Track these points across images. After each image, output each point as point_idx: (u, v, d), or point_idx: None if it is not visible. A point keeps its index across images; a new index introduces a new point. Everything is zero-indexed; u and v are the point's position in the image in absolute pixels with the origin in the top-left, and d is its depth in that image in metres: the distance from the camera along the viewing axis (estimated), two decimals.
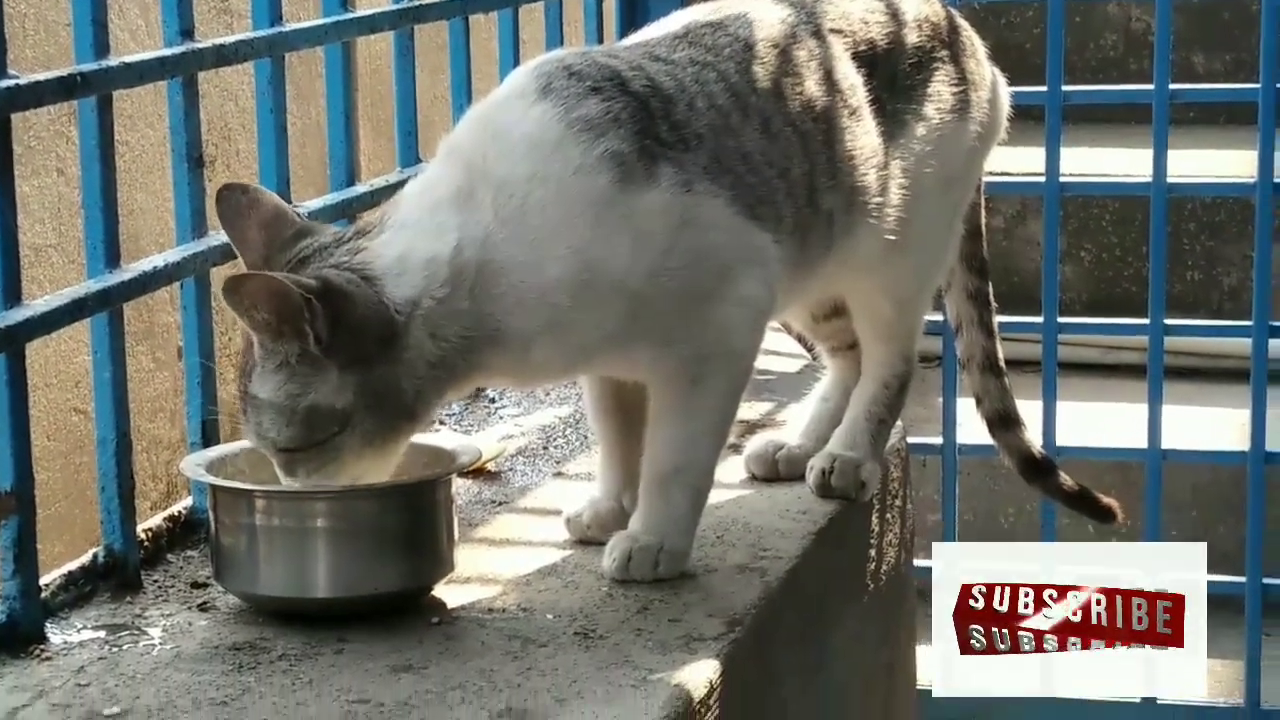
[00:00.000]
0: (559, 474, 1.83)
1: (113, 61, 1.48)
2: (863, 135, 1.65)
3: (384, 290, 1.40)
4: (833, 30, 1.68)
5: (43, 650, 1.38)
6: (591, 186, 1.45)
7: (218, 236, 1.67)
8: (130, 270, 1.56)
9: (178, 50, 1.57)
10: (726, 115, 1.55)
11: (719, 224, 1.51)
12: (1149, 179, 2.53)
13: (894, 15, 1.73)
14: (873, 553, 1.90)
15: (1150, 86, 2.55)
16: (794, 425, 1.88)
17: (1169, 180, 2.52)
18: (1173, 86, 2.54)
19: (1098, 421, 2.65)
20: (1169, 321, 2.55)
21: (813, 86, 1.62)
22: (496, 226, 1.43)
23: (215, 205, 1.49)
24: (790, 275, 1.60)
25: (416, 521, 1.49)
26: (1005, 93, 1.83)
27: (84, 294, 1.50)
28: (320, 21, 1.83)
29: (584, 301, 1.46)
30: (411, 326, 1.41)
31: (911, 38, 1.73)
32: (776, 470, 1.80)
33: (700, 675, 1.35)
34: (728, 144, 1.54)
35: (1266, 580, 2.51)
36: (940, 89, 1.74)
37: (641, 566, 1.52)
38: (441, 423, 2.03)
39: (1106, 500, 2.03)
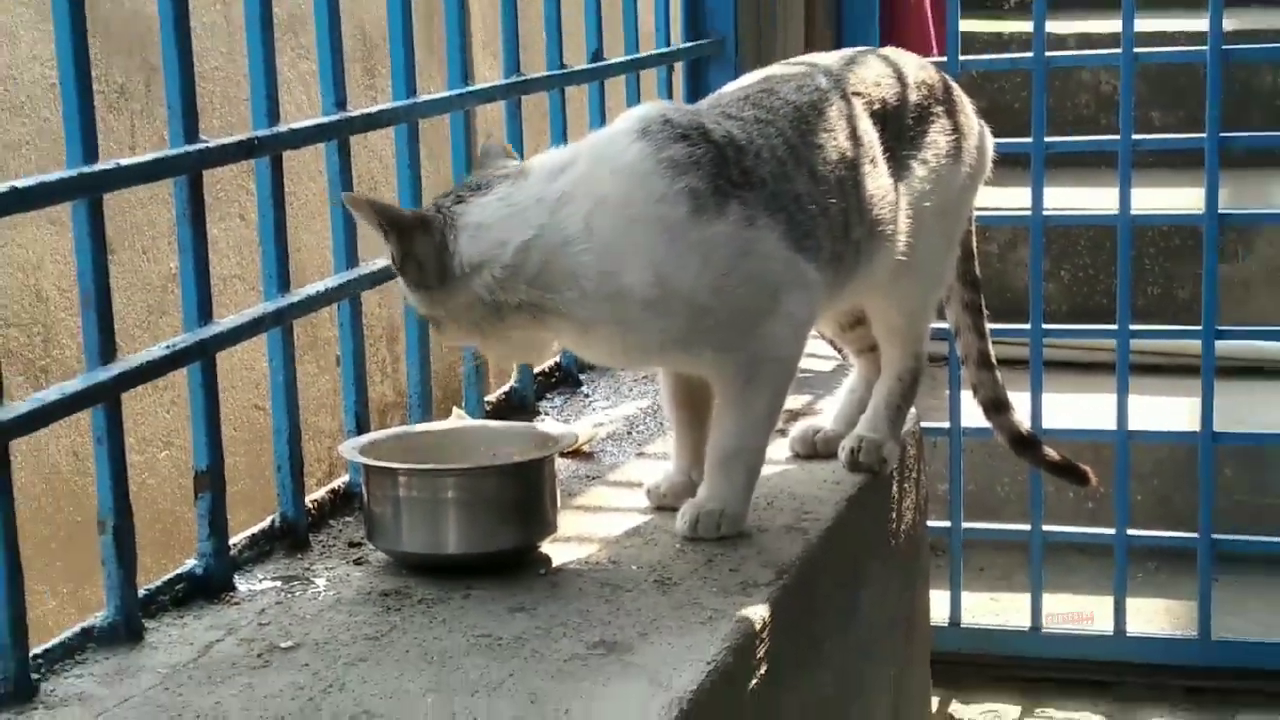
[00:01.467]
0: (640, 454, 1.84)
1: (282, 128, 1.51)
2: (881, 179, 1.66)
3: (458, 243, 1.43)
4: (855, 93, 1.69)
5: (231, 597, 1.42)
6: (670, 214, 1.46)
7: (367, 266, 1.70)
8: (298, 294, 1.58)
9: (333, 119, 1.60)
10: (783, 164, 1.56)
11: (773, 254, 1.52)
12: (1117, 212, 2.53)
13: (899, 79, 1.74)
14: (894, 515, 1.90)
15: (1117, 137, 2.53)
16: (828, 413, 1.88)
17: (1133, 213, 2.51)
18: (1135, 137, 2.53)
19: (1075, 409, 2.65)
20: (1134, 327, 2.54)
21: (844, 140, 1.63)
22: (583, 234, 1.43)
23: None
24: (827, 294, 1.61)
25: (527, 493, 1.51)
26: (990, 142, 1.84)
27: (261, 314, 1.52)
28: (446, 94, 1.85)
29: (650, 307, 1.46)
30: (472, 280, 1.43)
31: (914, 97, 1.74)
32: (815, 449, 1.81)
33: (755, 614, 1.38)
34: (784, 187, 1.55)
35: (1215, 536, 2.48)
36: (937, 138, 1.75)
37: (707, 527, 1.54)
38: (545, 414, 2.03)
39: (1083, 467, 2.03)
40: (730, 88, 1.76)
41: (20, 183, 1.20)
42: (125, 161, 1.35)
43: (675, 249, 1.47)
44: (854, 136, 1.65)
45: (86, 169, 1.25)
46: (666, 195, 1.47)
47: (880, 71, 1.75)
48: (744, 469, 1.59)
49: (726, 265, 1.50)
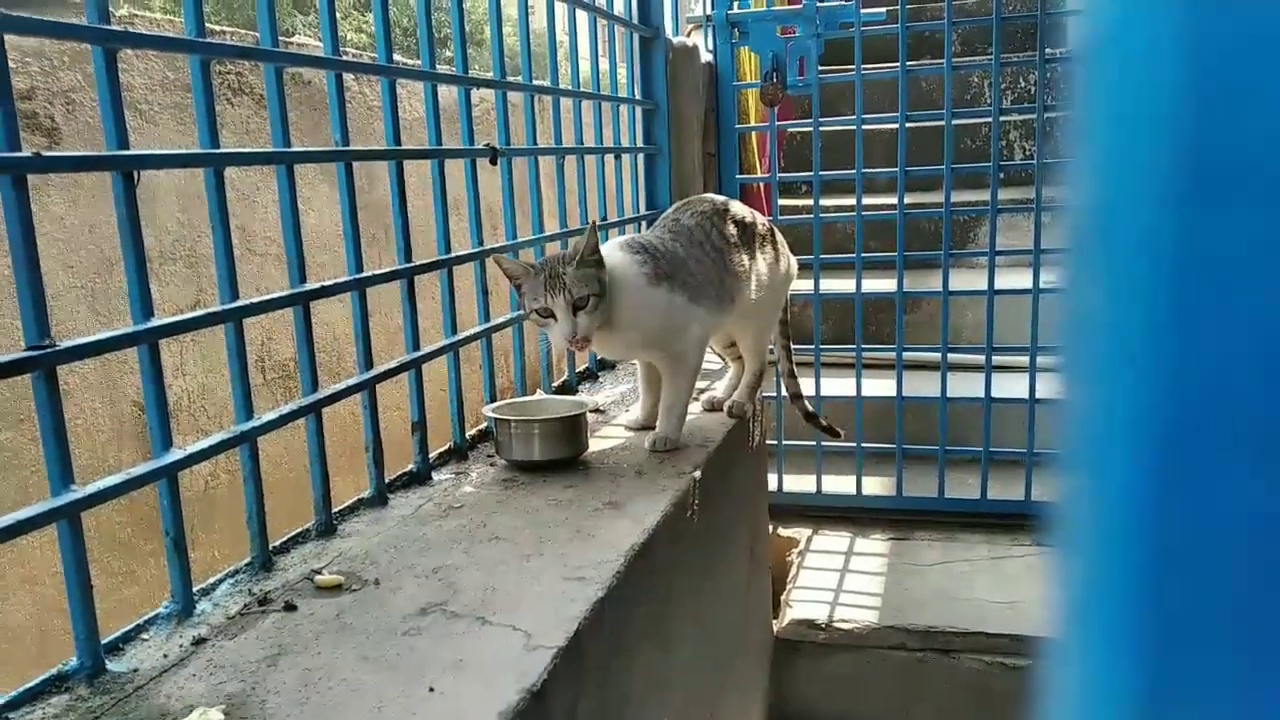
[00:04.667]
0: (626, 411, 1.84)
1: None
2: (738, 255, 1.67)
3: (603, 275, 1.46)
4: (729, 212, 1.70)
5: (429, 482, 1.49)
6: (636, 283, 1.51)
7: (492, 321, 1.67)
8: (461, 335, 1.58)
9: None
10: (685, 259, 1.58)
11: (683, 307, 1.56)
12: (853, 291, 2.58)
13: (753, 219, 1.75)
14: (749, 437, 1.92)
15: (852, 255, 2.64)
16: (718, 388, 1.90)
17: (864, 291, 2.55)
18: (864, 255, 2.55)
19: (837, 386, 2.64)
20: (865, 346, 2.59)
21: (717, 239, 1.64)
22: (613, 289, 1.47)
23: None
24: (712, 324, 1.63)
25: (572, 430, 1.56)
26: (794, 261, 1.88)
27: (447, 343, 1.53)
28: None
29: (631, 326, 1.51)
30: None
31: (759, 228, 1.76)
32: (713, 407, 1.84)
33: (684, 485, 1.46)
34: (688, 269, 1.58)
35: (906, 446, 2.57)
36: (769, 250, 1.77)
37: (660, 446, 1.60)
38: (580, 391, 2.04)
39: (838, 429, 2.11)
40: (665, 215, 1.73)
41: None
42: None
43: (640, 299, 1.51)
44: (724, 236, 1.65)
45: None
46: (638, 274, 1.52)
47: (743, 208, 1.76)
48: (677, 415, 1.62)
49: (662, 310, 1.53)
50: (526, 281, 1.45)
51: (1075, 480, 0.24)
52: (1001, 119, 2.74)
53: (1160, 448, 0.22)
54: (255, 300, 1.13)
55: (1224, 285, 0.21)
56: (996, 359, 2.58)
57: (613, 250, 1.54)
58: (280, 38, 1.19)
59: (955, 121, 2.56)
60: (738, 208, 1.76)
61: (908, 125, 2.54)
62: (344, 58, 1.29)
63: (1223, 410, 0.21)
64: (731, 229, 1.68)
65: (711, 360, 2.16)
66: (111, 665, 0.94)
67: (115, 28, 0.94)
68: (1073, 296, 0.24)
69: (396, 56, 1.41)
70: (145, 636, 1.00)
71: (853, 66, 2.58)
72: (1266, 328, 0.20)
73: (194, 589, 1.06)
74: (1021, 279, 2.56)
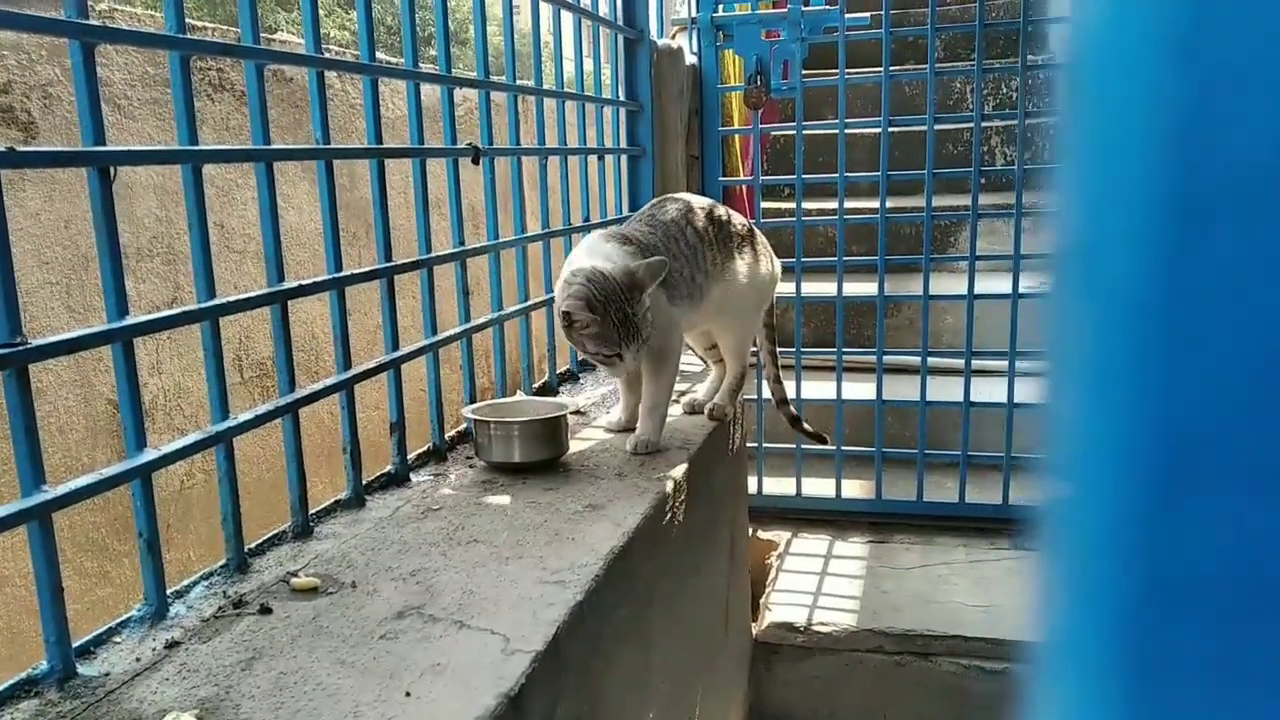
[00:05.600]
0: (606, 412, 1.83)
1: None
2: (711, 250, 1.65)
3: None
4: (704, 208, 1.69)
5: (407, 484, 1.48)
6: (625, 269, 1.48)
7: (468, 325, 1.65)
8: (441, 335, 1.55)
9: None
10: (665, 250, 1.57)
11: (665, 307, 1.56)
12: (834, 294, 2.61)
13: (729, 219, 1.73)
14: (729, 440, 1.91)
15: (834, 258, 2.63)
16: (699, 391, 1.89)
17: (845, 294, 2.58)
18: (846, 259, 2.57)
19: (816, 389, 2.65)
20: (845, 349, 2.62)
21: (693, 236, 1.63)
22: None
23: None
24: (687, 319, 1.63)
25: (553, 431, 1.54)
26: (778, 263, 1.86)
27: (427, 343, 1.51)
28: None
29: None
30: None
31: (737, 228, 1.74)
32: (694, 409, 1.83)
33: (666, 488, 1.44)
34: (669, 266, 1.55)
35: (885, 449, 2.59)
36: (747, 251, 1.74)
37: (644, 448, 1.59)
38: (561, 392, 2.03)
39: (823, 435, 2.10)
40: (641, 210, 1.72)
41: None
42: None
43: None
44: (698, 233, 1.64)
45: None
46: (622, 260, 1.51)
47: (724, 211, 1.74)
48: (659, 417, 1.61)
49: (651, 305, 1.52)
50: (595, 327, 1.44)
51: (1061, 504, 0.23)
52: (983, 124, 2.80)
53: (1149, 472, 0.21)
54: (233, 298, 1.12)
55: (1218, 305, 0.20)
56: (976, 363, 2.59)
57: (600, 242, 1.53)
58: (262, 34, 1.17)
59: (937, 127, 2.57)
60: (723, 208, 1.76)
61: (890, 130, 2.56)
62: (326, 55, 1.27)
63: (1215, 433, 0.20)
64: (706, 226, 1.66)
65: (693, 363, 2.17)
66: (82, 669, 0.93)
67: (94, 23, 0.93)
68: (1059, 314, 0.23)
69: (380, 55, 1.40)
70: (117, 639, 0.99)
71: (836, 71, 2.58)
72: (1261, 348, 0.19)
73: (168, 591, 1.05)
74: (1001, 284, 2.57)
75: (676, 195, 1.75)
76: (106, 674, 0.93)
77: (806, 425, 2.08)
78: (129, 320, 0.98)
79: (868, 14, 2.58)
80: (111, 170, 0.95)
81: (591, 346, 1.46)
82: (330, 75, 1.88)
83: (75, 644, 0.93)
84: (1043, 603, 0.24)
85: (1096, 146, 0.21)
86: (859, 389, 2.71)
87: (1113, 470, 0.22)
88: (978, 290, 2.54)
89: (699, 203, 1.72)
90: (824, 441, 2.11)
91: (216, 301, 1.10)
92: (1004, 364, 2.57)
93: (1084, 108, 0.22)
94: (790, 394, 2.17)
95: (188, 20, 1.06)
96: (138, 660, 0.95)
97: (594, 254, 1.51)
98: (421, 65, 1.48)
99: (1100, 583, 0.22)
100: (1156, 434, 0.21)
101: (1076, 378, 0.22)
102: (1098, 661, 0.22)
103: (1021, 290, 2.53)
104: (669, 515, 1.46)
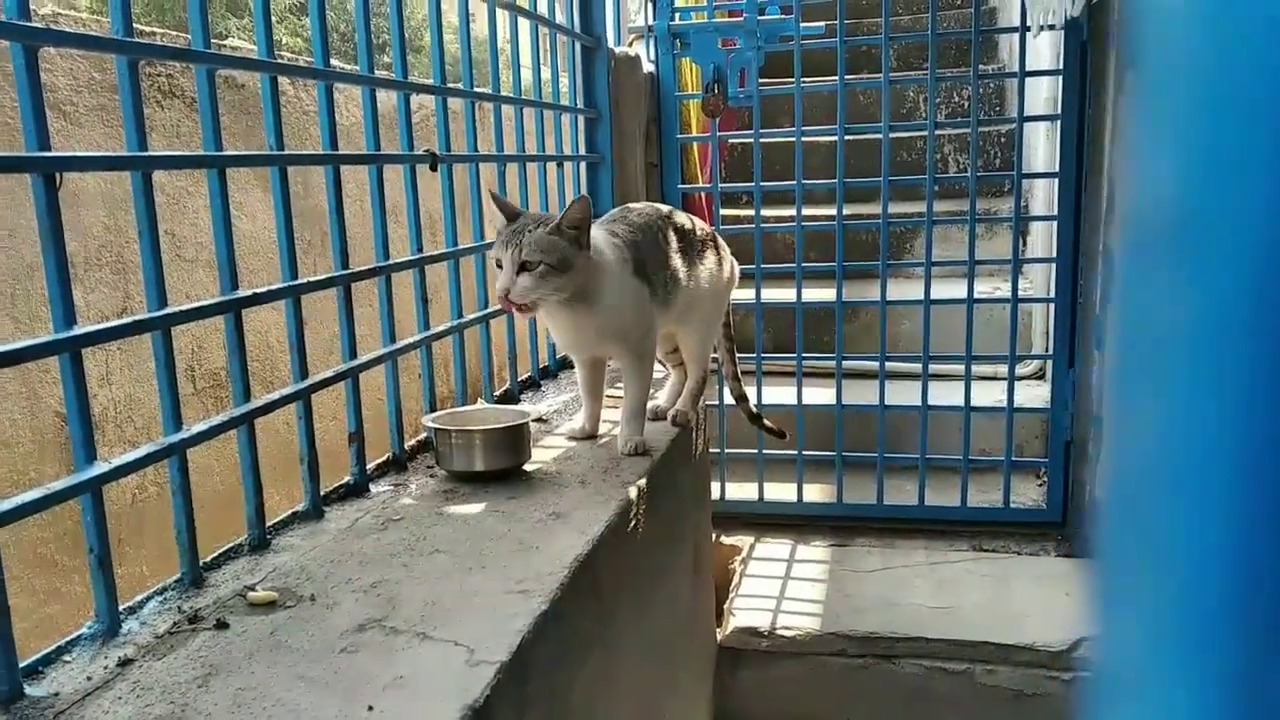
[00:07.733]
0: (569, 420, 1.80)
1: None
2: (680, 260, 1.67)
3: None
4: (670, 218, 1.70)
5: (367, 494, 1.46)
6: (625, 270, 1.54)
7: (431, 330, 1.65)
8: (400, 344, 1.54)
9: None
10: (644, 257, 1.59)
11: (645, 307, 1.58)
12: (794, 300, 2.64)
13: (693, 225, 1.74)
14: (692, 446, 1.91)
15: (793, 265, 2.69)
16: (661, 398, 1.87)
17: (804, 301, 2.65)
18: (805, 265, 2.59)
19: (779, 394, 2.66)
20: (805, 354, 2.64)
21: (662, 241, 1.65)
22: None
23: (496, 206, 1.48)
24: (660, 315, 1.63)
25: (515, 439, 1.53)
26: (737, 267, 1.88)
27: (386, 353, 1.49)
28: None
29: (616, 310, 1.54)
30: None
31: (700, 233, 1.75)
32: (656, 416, 1.81)
33: (629, 496, 1.43)
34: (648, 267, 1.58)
35: (845, 453, 2.60)
36: (709, 256, 1.76)
37: (637, 449, 1.60)
38: (523, 400, 2.00)
39: (783, 430, 2.13)
40: (609, 215, 1.72)
41: None
42: None
43: (623, 285, 1.54)
44: (666, 239, 1.66)
45: None
46: (622, 261, 1.54)
47: (687, 219, 1.76)
48: (643, 417, 1.64)
49: (637, 301, 1.56)
50: (505, 227, 1.45)
51: (1144, 520, 0.21)
52: (937, 133, 2.82)
53: (1256, 474, 0.18)
54: (185, 307, 1.11)
55: None
56: (933, 367, 2.62)
57: (599, 233, 1.54)
58: (213, 40, 1.16)
59: (892, 135, 2.61)
60: (683, 215, 1.78)
61: (846, 138, 2.58)
62: (279, 60, 1.28)
63: None
64: (672, 234, 1.69)
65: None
66: (30, 689, 0.90)
67: (36, 25, 0.91)
68: (1136, 309, 0.21)
69: (334, 61, 1.38)
70: (67, 658, 0.97)
71: (793, 79, 2.60)
72: None
73: (120, 607, 1.03)
74: (956, 289, 2.61)
75: (634, 205, 1.75)
76: (55, 694, 0.91)
77: (767, 421, 2.10)
78: (76, 330, 0.96)
79: (822, 23, 2.62)
80: (57, 177, 0.93)
81: (495, 251, 1.47)
82: (284, 83, 1.88)
83: (23, 664, 0.91)
84: (1110, 623, 0.22)
85: (1202, 117, 0.19)
86: (819, 394, 2.72)
87: (1215, 473, 0.19)
88: (934, 295, 2.58)
89: (664, 209, 1.74)
90: (784, 436, 2.12)
91: (168, 310, 1.08)
92: (960, 368, 2.60)
93: (1182, 76, 0.19)
94: (751, 399, 2.22)
95: (135, 25, 1.04)
96: (89, 679, 0.93)
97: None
98: (377, 72, 1.48)
99: (1201, 585, 0.20)
100: (1265, 424, 0.18)
101: (1173, 380, 0.20)
102: (1199, 665, 0.20)
103: (976, 295, 2.57)
104: (633, 522, 1.45)
